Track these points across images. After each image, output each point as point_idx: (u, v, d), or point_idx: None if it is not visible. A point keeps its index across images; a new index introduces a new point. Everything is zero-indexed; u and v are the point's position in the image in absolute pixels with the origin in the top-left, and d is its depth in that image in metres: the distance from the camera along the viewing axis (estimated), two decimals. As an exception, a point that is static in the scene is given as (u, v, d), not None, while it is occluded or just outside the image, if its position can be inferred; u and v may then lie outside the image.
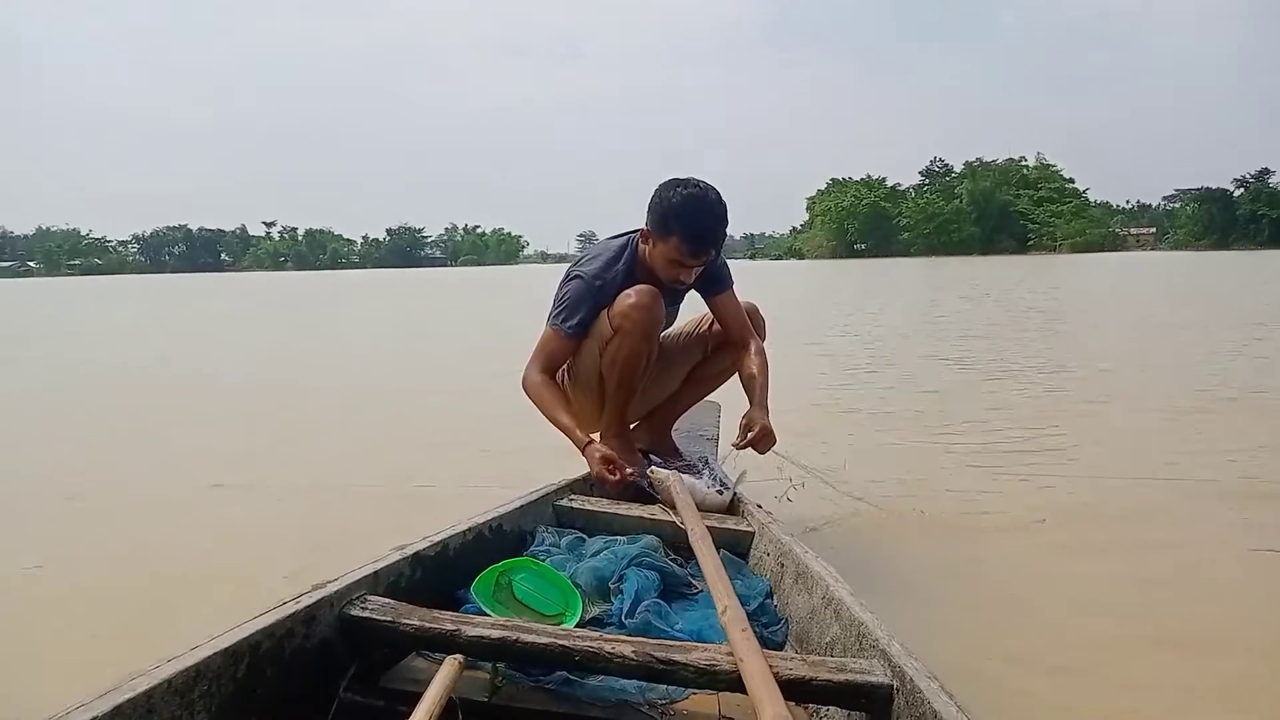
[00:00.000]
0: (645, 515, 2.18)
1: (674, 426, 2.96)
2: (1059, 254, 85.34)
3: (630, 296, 2.45)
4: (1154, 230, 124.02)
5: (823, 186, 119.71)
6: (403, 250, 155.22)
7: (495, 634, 1.28)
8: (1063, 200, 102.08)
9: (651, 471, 2.42)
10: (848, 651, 1.40)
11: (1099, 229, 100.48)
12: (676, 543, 2.01)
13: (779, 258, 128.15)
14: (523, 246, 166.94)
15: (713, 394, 3.00)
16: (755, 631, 1.37)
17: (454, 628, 1.29)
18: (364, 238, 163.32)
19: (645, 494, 2.42)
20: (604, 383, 2.59)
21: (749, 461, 2.59)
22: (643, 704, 1.32)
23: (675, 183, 2.46)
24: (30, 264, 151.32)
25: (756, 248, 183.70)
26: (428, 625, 1.30)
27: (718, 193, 2.45)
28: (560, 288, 2.60)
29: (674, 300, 2.71)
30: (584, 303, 2.52)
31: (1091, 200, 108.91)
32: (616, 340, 2.49)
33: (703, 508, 2.23)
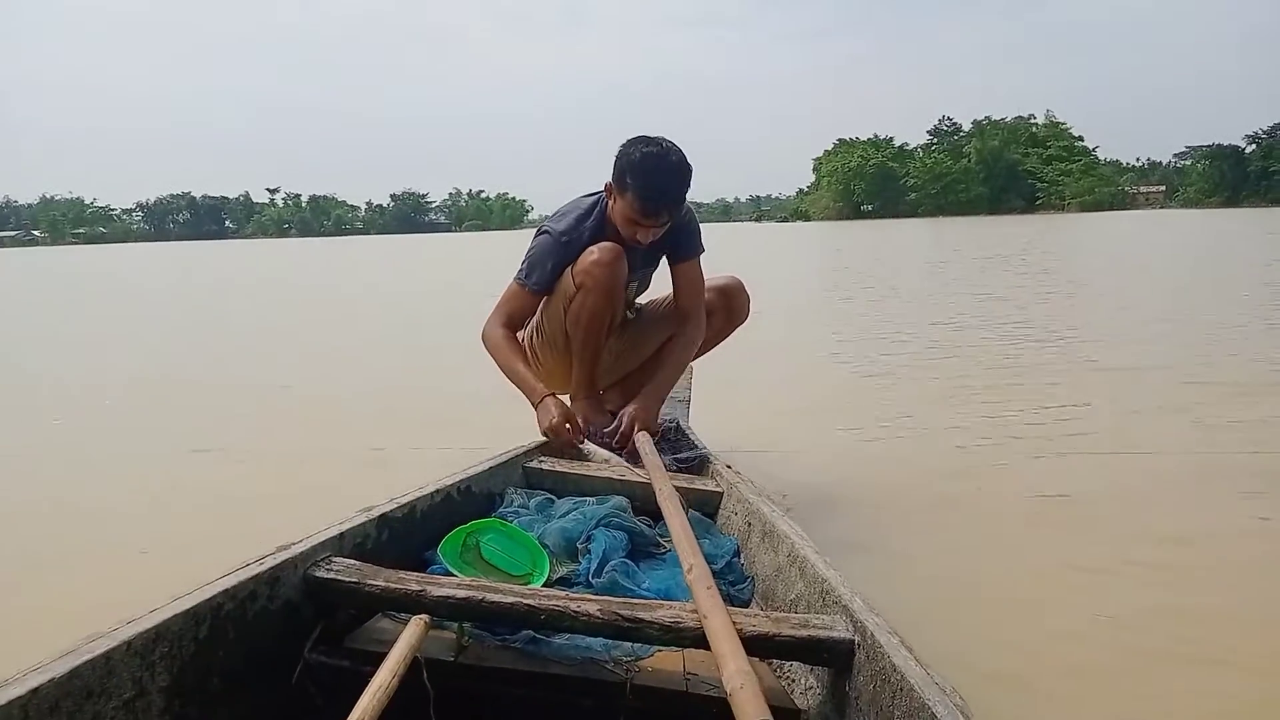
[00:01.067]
0: (614, 476, 2.18)
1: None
2: (1067, 213, 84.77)
3: (593, 254, 2.44)
4: (1164, 188, 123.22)
5: (829, 147, 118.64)
6: (407, 216, 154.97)
7: (461, 594, 1.28)
8: (1072, 158, 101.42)
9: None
10: (811, 608, 1.42)
11: (1108, 187, 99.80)
12: (646, 503, 2.01)
13: (785, 220, 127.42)
14: (527, 211, 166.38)
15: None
16: (721, 589, 1.38)
17: (419, 588, 1.29)
18: (368, 203, 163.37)
19: (615, 454, 2.42)
20: (570, 341, 2.58)
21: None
22: (608, 661, 1.33)
23: (639, 140, 2.42)
24: (34, 233, 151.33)
25: (763, 210, 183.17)
26: (393, 586, 1.30)
27: (681, 154, 2.40)
28: (534, 241, 2.60)
29: (645, 263, 2.69)
30: (549, 258, 2.52)
31: (1101, 158, 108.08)
32: (579, 297, 2.48)
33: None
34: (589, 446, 2.43)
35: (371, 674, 1.08)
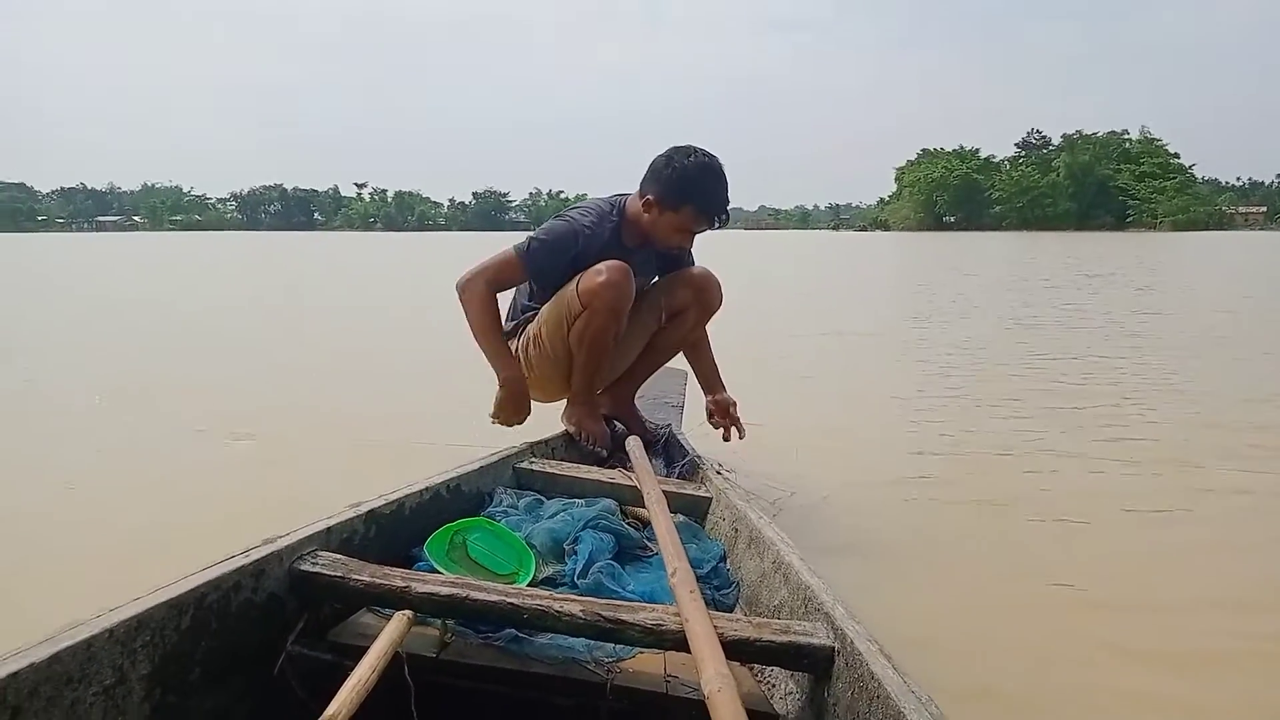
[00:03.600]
0: (604, 479, 2.20)
1: (638, 394, 2.95)
2: (1159, 231, 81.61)
3: (601, 274, 2.40)
4: (1265, 209, 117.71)
5: (913, 157, 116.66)
6: (487, 214, 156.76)
7: (445, 591, 1.29)
8: (1167, 176, 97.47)
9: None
10: (794, 614, 1.43)
11: (1204, 206, 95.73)
12: (636, 506, 2.04)
13: (863, 228, 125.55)
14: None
15: (672, 361, 3.00)
16: (707, 594, 1.42)
17: (404, 584, 1.31)
18: (450, 200, 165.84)
19: (606, 458, 2.47)
20: (572, 356, 2.58)
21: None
22: (589, 662, 1.33)
23: (684, 150, 2.47)
24: (135, 219, 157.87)
25: (841, 218, 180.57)
26: (378, 581, 1.32)
27: (719, 159, 2.49)
28: (547, 225, 2.58)
29: (645, 272, 2.71)
30: (562, 248, 2.50)
31: (1198, 176, 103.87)
32: (585, 317, 2.46)
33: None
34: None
35: (353, 668, 1.09)
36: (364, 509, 1.59)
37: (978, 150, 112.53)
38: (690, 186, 2.44)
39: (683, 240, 2.57)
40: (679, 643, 1.21)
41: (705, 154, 2.47)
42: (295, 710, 1.22)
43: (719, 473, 2.36)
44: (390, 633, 1.20)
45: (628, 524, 1.90)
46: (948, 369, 5.82)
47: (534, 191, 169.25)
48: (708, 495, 2.22)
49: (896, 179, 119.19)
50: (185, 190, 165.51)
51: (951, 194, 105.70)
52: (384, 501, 1.66)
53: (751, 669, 1.45)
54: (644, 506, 1.90)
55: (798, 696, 1.33)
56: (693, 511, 2.16)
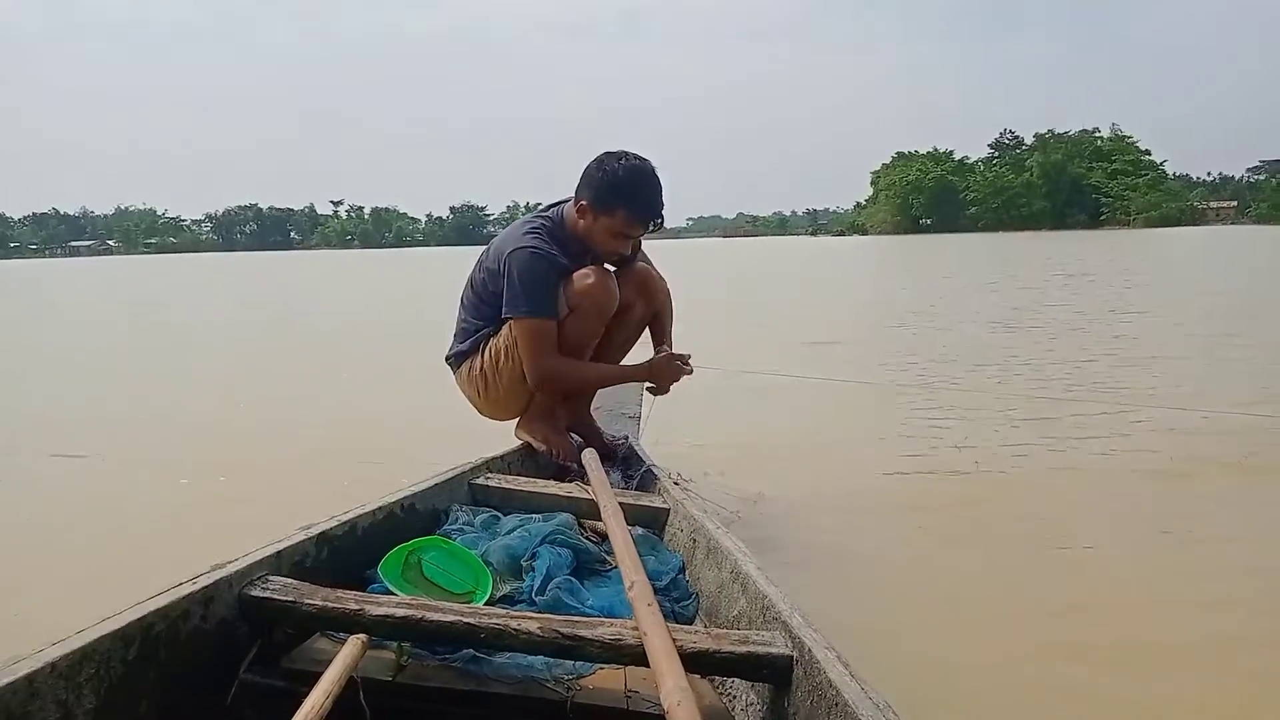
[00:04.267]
0: (561, 493, 2.18)
1: (594, 405, 2.92)
2: (1133, 228, 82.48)
3: (589, 278, 2.44)
4: (1235, 204, 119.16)
5: (888, 160, 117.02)
6: (465, 228, 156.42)
7: (400, 613, 1.27)
8: (1138, 173, 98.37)
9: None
10: (753, 624, 1.42)
11: (1176, 202, 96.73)
12: (593, 520, 2.02)
13: (841, 233, 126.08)
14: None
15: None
16: (666, 607, 1.41)
17: (358, 607, 1.27)
18: (428, 216, 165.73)
19: (564, 471, 2.45)
20: None
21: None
22: (549, 680, 1.32)
23: (614, 155, 2.47)
24: (109, 242, 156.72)
25: (819, 224, 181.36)
26: (331, 605, 1.28)
27: (652, 163, 2.49)
28: (524, 262, 2.45)
29: None
30: (551, 283, 2.46)
31: (1170, 173, 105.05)
32: (572, 320, 2.46)
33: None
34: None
35: (308, 694, 1.07)
36: (315, 531, 1.56)
37: (951, 152, 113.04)
38: (622, 189, 2.43)
39: (619, 245, 2.54)
40: (638, 657, 1.20)
41: (637, 157, 2.47)
42: None
43: (677, 483, 2.35)
44: (344, 657, 1.17)
45: (586, 538, 1.88)
46: (922, 378, 5.84)
47: (511, 205, 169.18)
48: (665, 506, 2.21)
49: (872, 183, 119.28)
50: (159, 213, 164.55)
51: (927, 196, 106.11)
52: (336, 523, 1.63)
53: (712, 681, 1.44)
54: (601, 520, 1.89)
55: (758, 707, 1.33)
56: (651, 523, 2.14)
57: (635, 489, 2.45)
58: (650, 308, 2.77)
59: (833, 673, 1.10)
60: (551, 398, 2.62)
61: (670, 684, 1.05)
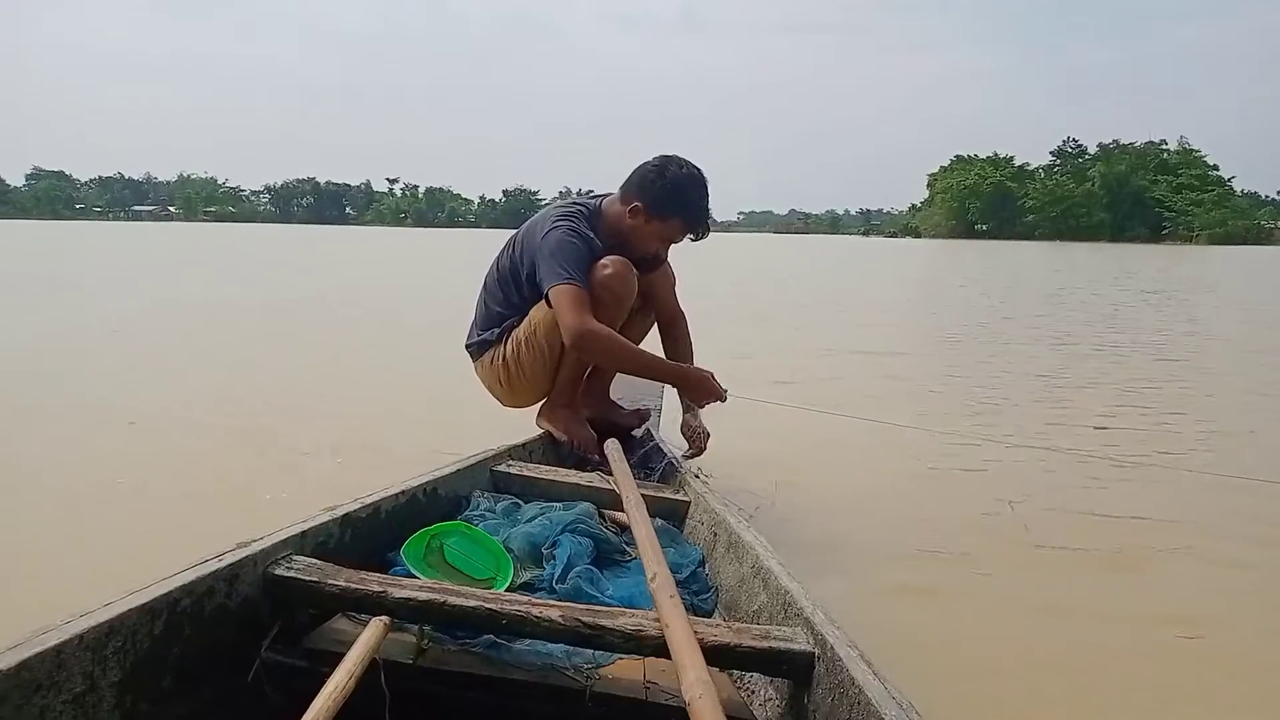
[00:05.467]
0: (582, 483, 2.19)
1: (615, 396, 2.95)
2: (1195, 244, 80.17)
3: (608, 267, 2.46)
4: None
5: (946, 163, 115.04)
6: (517, 211, 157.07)
7: (422, 596, 1.28)
8: (1205, 188, 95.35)
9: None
10: (773, 619, 1.42)
11: (1243, 220, 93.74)
12: (614, 510, 2.03)
13: (894, 235, 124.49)
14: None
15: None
16: (685, 599, 1.39)
17: (380, 589, 1.29)
18: (481, 198, 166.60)
19: (585, 460, 2.47)
20: (565, 352, 2.56)
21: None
22: (569, 668, 1.33)
23: (676, 162, 2.51)
24: (170, 208, 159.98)
25: (872, 224, 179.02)
26: (354, 586, 1.30)
27: (706, 176, 2.55)
28: (560, 238, 2.46)
29: None
30: (586, 259, 2.46)
31: (1237, 189, 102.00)
32: (592, 309, 2.44)
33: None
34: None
35: (329, 674, 1.07)
36: (339, 512, 1.57)
37: (1012, 158, 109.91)
38: (682, 199, 2.49)
39: (660, 248, 2.61)
40: (658, 648, 1.20)
41: (695, 167, 2.52)
42: (269, 717, 1.21)
43: (697, 476, 2.35)
44: (367, 639, 1.18)
45: (606, 528, 1.89)
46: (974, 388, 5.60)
47: (564, 190, 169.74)
48: (686, 499, 2.22)
49: (929, 185, 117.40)
50: (220, 182, 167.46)
51: (984, 201, 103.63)
52: (359, 505, 1.64)
53: (731, 675, 1.44)
54: (622, 510, 1.90)
55: (778, 703, 1.32)
56: (671, 515, 2.15)
57: (656, 480, 2.46)
58: (666, 309, 2.83)
59: (856, 671, 1.09)
60: (574, 386, 2.65)
61: (692, 676, 1.05)
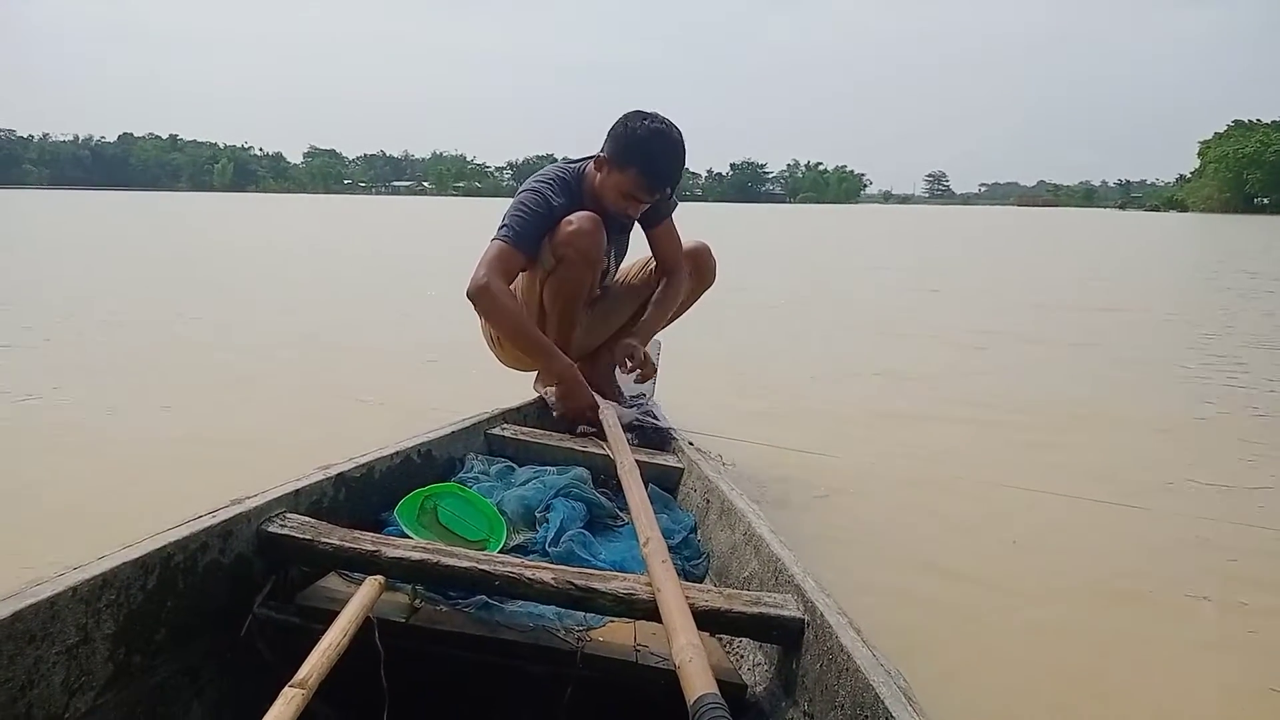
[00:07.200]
0: (577, 447, 2.20)
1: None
2: None
3: (571, 223, 2.39)
4: None
5: (1222, 129, 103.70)
6: (744, 185, 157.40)
7: (415, 556, 1.29)
8: None
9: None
10: (764, 586, 1.43)
11: None
12: (607, 476, 2.03)
13: (1155, 209, 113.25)
14: (864, 186, 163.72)
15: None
16: (677, 564, 1.41)
17: (374, 548, 1.30)
18: (708, 171, 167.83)
19: (580, 425, 2.45)
20: (545, 315, 2.55)
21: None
22: (559, 630, 1.33)
23: (641, 114, 2.42)
24: (424, 184, 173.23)
25: (1132, 196, 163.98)
26: (347, 545, 1.31)
27: (680, 132, 2.43)
28: (520, 199, 2.48)
29: (621, 229, 2.69)
30: (538, 225, 2.43)
31: None
32: (560, 270, 2.45)
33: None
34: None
35: (321, 631, 1.08)
36: (333, 471, 1.59)
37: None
38: (639, 148, 2.38)
39: (626, 205, 2.47)
40: (650, 612, 1.22)
41: (664, 121, 2.41)
42: (261, 672, 1.21)
43: (691, 444, 2.37)
44: (362, 597, 1.19)
45: (600, 493, 1.90)
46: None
47: (791, 163, 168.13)
48: (680, 466, 2.23)
49: (1200, 154, 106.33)
50: (469, 159, 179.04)
51: (1267, 172, 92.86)
52: (353, 465, 1.65)
53: (721, 640, 1.46)
54: (616, 476, 1.90)
55: (767, 668, 1.34)
56: (664, 482, 2.16)
57: (650, 447, 2.46)
58: (700, 286, 2.79)
59: (845, 638, 1.10)
60: (564, 345, 2.57)
61: (682, 640, 1.06)
